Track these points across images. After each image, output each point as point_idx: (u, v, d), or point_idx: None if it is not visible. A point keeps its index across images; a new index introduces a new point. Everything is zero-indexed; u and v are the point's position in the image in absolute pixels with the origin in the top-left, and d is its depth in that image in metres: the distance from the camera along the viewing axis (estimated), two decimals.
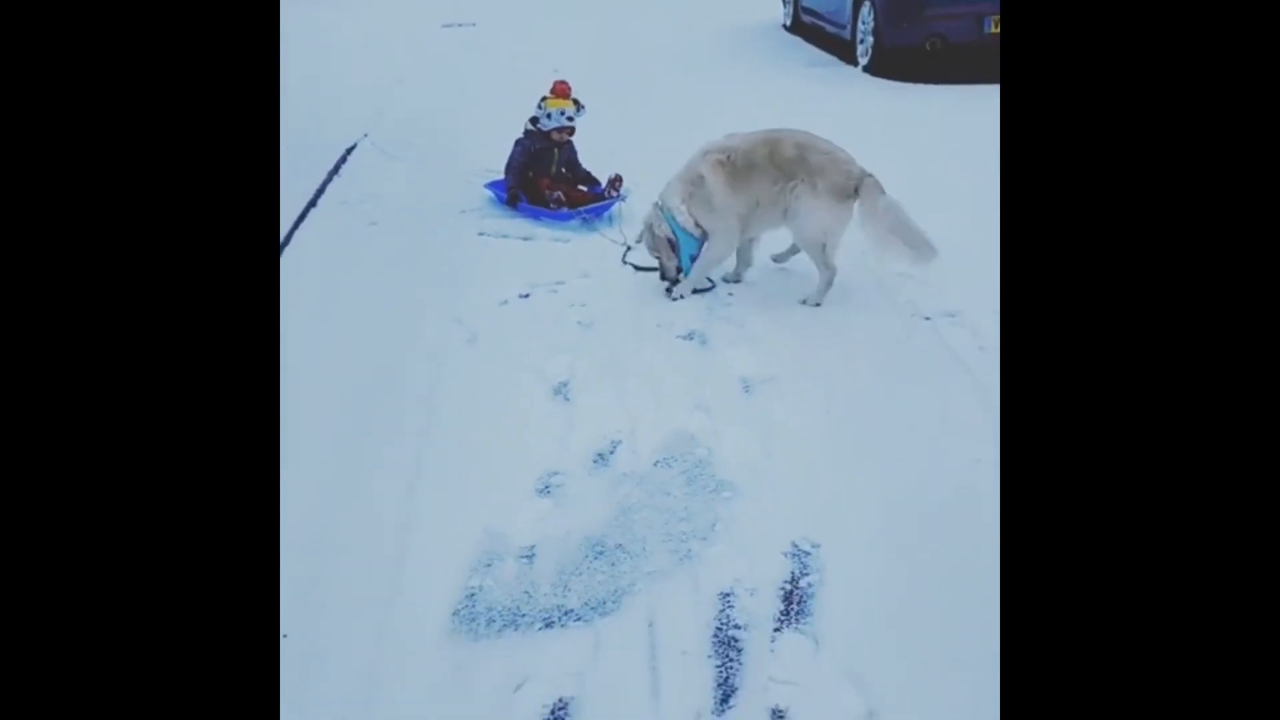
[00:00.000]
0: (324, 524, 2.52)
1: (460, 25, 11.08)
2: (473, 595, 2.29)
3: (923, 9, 7.24)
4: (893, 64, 7.62)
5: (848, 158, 3.59)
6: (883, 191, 3.51)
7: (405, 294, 3.96)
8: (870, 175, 3.54)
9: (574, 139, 4.95)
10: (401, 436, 2.92)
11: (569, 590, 2.30)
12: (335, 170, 5.72)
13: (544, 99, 4.86)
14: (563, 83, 4.88)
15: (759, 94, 7.32)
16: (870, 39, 7.77)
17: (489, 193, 5.07)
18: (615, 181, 4.83)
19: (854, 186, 3.51)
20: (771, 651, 2.09)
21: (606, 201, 4.79)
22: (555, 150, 4.88)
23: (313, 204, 5.09)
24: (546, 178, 4.87)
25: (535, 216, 4.75)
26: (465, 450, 2.84)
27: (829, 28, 8.80)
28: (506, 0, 13.01)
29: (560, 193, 4.77)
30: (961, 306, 3.57)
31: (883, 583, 2.27)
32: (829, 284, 3.66)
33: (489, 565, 2.38)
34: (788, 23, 10.14)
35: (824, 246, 3.61)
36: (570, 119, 4.82)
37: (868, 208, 3.53)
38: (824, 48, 8.99)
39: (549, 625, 2.20)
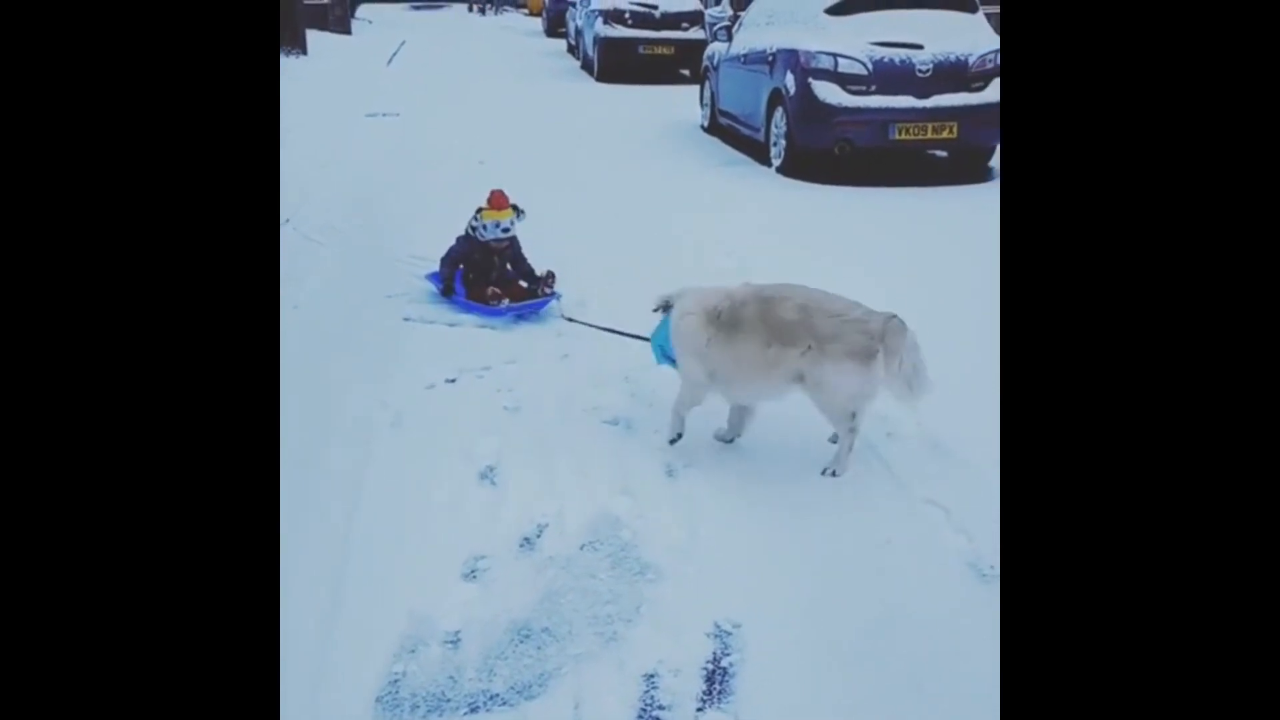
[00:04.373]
0: None
1: (384, 115, 11.24)
2: (397, 681, 2.28)
3: (833, 115, 7.67)
4: (804, 165, 8.01)
5: (863, 313, 3.12)
6: (905, 330, 3.09)
7: (328, 377, 3.95)
8: (894, 318, 3.09)
9: (516, 234, 4.90)
10: (325, 519, 2.90)
11: (494, 675, 2.30)
12: None
13: (480, 210, 4.80)
14: (499, 193, 4.81)
15: (679, 189, 7.62)
16: (783, 141, 8.17)
17: (428, 283, 5.03)
18: (548, 279, 4.80)
19: (877, 345, 3.05)
20: None
21: (540, 300, 4.76)
22: (495, 258, 4.83)
23: None
24: (486, 282, 4.79)
25: (468, 309, 4.73)
26: (390, 534, 2.84)
27: (744, 129, 9.22)
28: (431, 92, 13.27)
29: (496, 288, 4.72)
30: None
31: (802, 660, 2.34)
32: (851, 449, 3.21)
33: (413, 650, 2.37)
34: (705, 123, 10.59)
35: (853, 415, 3.16)
36: (507, 230, 4.78)
37: (892, 353, 3.07)
38: (739, 148, 9.41)
39: (474, 710, 2.20)
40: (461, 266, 4.87)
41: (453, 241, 4.88)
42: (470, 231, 4.82)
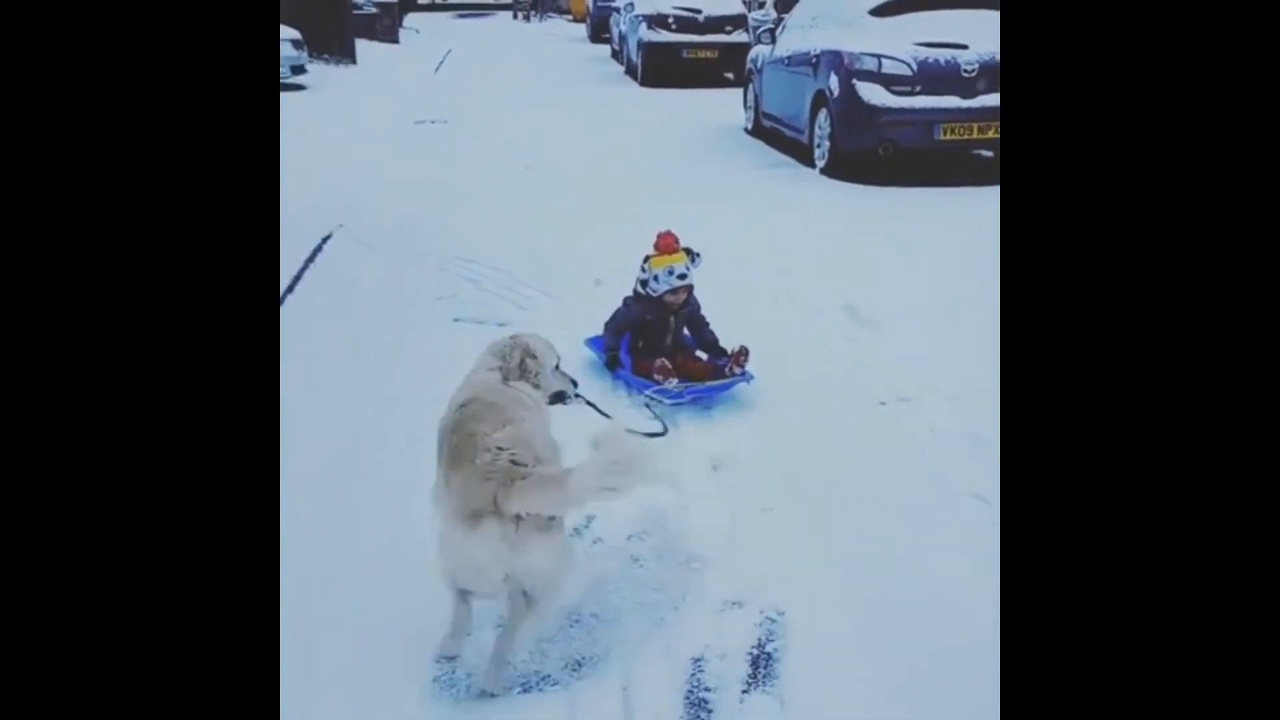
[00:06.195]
0: (308, 598, 2.60)
1: (432, 122, 11.45)
2: (453, 661, 2.38)
3: (877, 116, 7.67)
4: (848, 166, 8.02)
5: (522, 433, 2.19)
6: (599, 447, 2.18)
7: (381, 379, 4.08)
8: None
9: (697, 292, 4.04)
10: (381, 513, 3.01)
11: (546, 657, 2.39)
12: (310, 260, 5.87)
13: (648, 257, 3.99)
14: (668, 235, 3.97)
15: (723, 191, 7.68)
16: (827, 143, 8.19)
17: (589, 350, 4.23)
18: (739, 356, 3.86)
19: (514, 477, 2.06)
20: (740, 711, 2.21)
21: (726, 381, 3.82)
22: (671, 318, 4.02)
23: (289, 291, 5.24)
24: (658, 353, 3.98)
25: (640, 389, 3.87)
26: None
27: (788, 132, 9.25)
28: (477, 99, 13.47)
29: (665, 361, 3.87)
30: (913, 392, 3.79)
31: (842, 645, 2.40)
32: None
33: (469, 634, 2.47)
34: (749, 126, 10.63)
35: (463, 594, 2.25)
36: (683, 276, 3.92)
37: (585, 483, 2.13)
38: (783, 150, 9.43)
39: (526, 690, 2.29)
40: (629, 334, 4.09)
41: (620, 304, 4.12)
42: (640, 288, 4.03)
